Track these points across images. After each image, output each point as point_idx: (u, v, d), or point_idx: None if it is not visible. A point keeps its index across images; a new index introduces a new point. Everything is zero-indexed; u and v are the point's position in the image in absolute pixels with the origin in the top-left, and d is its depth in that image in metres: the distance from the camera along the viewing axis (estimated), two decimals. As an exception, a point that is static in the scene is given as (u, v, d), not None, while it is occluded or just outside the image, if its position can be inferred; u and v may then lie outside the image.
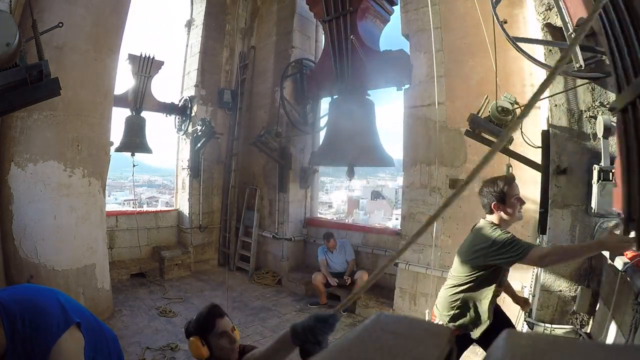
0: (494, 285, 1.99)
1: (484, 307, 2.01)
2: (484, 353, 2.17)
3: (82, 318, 1.39)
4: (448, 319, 2.10)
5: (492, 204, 2.01)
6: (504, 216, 2.00)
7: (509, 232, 1.91)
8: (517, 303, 2.42)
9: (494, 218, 2.03)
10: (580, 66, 2.28)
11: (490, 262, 1.91)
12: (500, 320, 2.17)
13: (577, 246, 1.88)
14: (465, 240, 2.16)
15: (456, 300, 2.07)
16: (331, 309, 1.06)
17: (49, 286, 1.74)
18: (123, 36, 4.14)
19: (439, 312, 2.18)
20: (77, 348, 1.33)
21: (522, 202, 2.00)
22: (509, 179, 2.04)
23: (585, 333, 2.46)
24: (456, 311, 2.08)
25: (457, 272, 2.08)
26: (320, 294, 4.74)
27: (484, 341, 2.11)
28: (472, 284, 2.00)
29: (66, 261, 3.60)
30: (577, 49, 2.23)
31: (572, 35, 2.18)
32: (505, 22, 2.51)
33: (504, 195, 1.98)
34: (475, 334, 2.05)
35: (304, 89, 5.58)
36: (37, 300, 1.33)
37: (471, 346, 2.24)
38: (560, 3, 2.23)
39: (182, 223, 6.32)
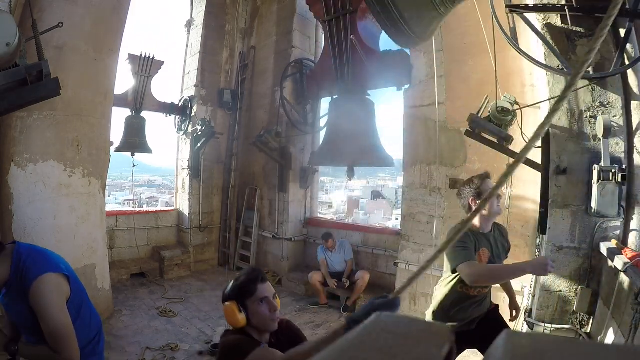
0: (458, 285, 2.02)
1: (445, 302, 2.08)
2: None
3: (73, 281, 1.57)
4: (429, 316, 2.20)
5: (470, 199, 2.05)
6: (483, 212, 2.01)
7: (463, 240, 1.92)
8: (510, 307, 2.44)
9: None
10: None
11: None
12: (496, 323, 2.17)
13: (504, 267, 1.93)
14: None
15: (435, 298, 2.18)
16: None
17: None
18: (123, 36, 4.14)
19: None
20: (58, 290, 1.47)
21: (498, 197, 2.05)
22: (484, 176, 2.07)
23: (585, 333, 2.46)
24: (433, 309, 2.17)
25: (444, 271, 2.15)
26: (318, 293, 4.74)
27: (481, 345, 2.10)
28: (448, 283, 2.06)
29: (66, 261, 3.60)
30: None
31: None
32: None
33: (480, 191, 2.01)
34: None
35: (304, 89, 5.58)
36: (45, 249, 1.60)
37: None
38: None
39: (182, 223, 6.32)
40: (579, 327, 2.50)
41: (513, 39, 2.50)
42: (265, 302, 1.37)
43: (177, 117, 6.40)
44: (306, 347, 1.23)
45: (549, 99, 2.58)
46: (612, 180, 2.30)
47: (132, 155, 5.78)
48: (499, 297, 3.42)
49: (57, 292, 1.46)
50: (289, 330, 1.54)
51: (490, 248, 2.04)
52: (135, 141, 5.72)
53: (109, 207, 6.49)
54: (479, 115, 2.78)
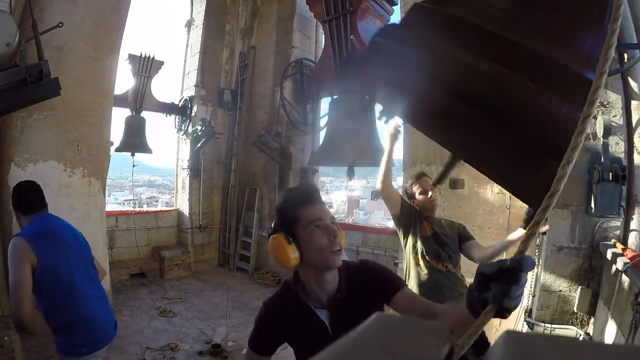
0: (409, 253, 2.23)
1: (408, 271, 2.24)
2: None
3: (43, 258, 1.67)
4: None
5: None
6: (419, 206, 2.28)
7: None
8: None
9: None
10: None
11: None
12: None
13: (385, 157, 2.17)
14: None
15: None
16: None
17: None
18: (123, 36, 4.14)
19: None
20: (19, 253, 1.63)
21: (425, 193, 2.25)
22: (417, 175, 2.33)
23: (585, 333, 2.46)
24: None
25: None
26: None
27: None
28: (411, 259, 2.24)
29: (66, 261, 3.60)
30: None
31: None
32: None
33: (413, 192, 2.29)
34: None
35: (304, 89, 5.58)
36: (56, 224, 1.91)
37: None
38: None
39: (182, 223, 6.31)
40: (579, 327, 2.51)
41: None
42: (320, 228, 1.00)
43: (177, 117, 6.40)
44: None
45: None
46: (612, 180, 2.30)
47: (132, 155, 5.78)
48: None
49: (17, 254, 1.62)
50: (362, 269, 1.11)
51: (432, 227, 2.21)
52: (135, 141, 5.72)
53: (109, 207, 6.49)
54: (479, 115, 2.78)
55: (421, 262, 2.16)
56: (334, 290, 1.06)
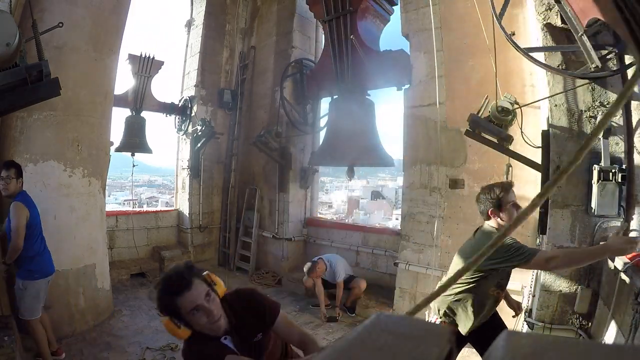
0: (490, 288, 2.00)
1: (474, 307, 2.02)
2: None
3: (32, 216, 2.82)
4: (442, 314, 2.14)
5: (489, 210, 2.02)
6: (501, 222, 2.01)
7: (513, 238, 1.90)
8: (510, 306, 2.43)
9: (493, 224, 2.05)
10: (597, 67, 2.21)
11: (492, 266, 1.89)
12: (495, 322, 2.18)
13: (582, 250, 1.86)
14: (468, 242, 2.17)
15: (452, 299, 2.08)
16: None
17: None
18: (123, 36, 4.14)
19: (434, 307, 2.21)
20: (20, 211, 2.74)
21: (519, 208, 2.01)
22: (506, 186, 2.04)
23: (586, 333, 2.46)
24: (448, 309, 2.11)
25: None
26: (316, 296, 4.68)
27: (478, 342, 2.11)
28: (470, 285, 2.00)
29: (66, 261, 3.59)
30: (592, 50, 2.19)
31: (584, 37, 2.15)
32: (513, 34, 2.52)
33: (500, 201, 1.99)
34: (462, 330, 2.06)
35: (304, 89, 5.58)
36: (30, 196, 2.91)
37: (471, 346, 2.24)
38: (563, 1, 2.22)
39: (182, 223, 6.31)
40: (579, 327, 2.51)
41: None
42: (199, 310, 1.25)
43: (177, 117, 6.40)
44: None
45: (549, 96, 2.58)
46: (612, 180, 2.30)
47: (132, 155, 5.78)
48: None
49: (19, 211, 2.73)
50: (241, 299, 1.44)
51: None
52: (135, 141, 5.72)
53: (109, 207, 6.48)
54: (479, 115, 2.78)
55: (493, 294, 2.03)
56: (224, 321, 1.34)
